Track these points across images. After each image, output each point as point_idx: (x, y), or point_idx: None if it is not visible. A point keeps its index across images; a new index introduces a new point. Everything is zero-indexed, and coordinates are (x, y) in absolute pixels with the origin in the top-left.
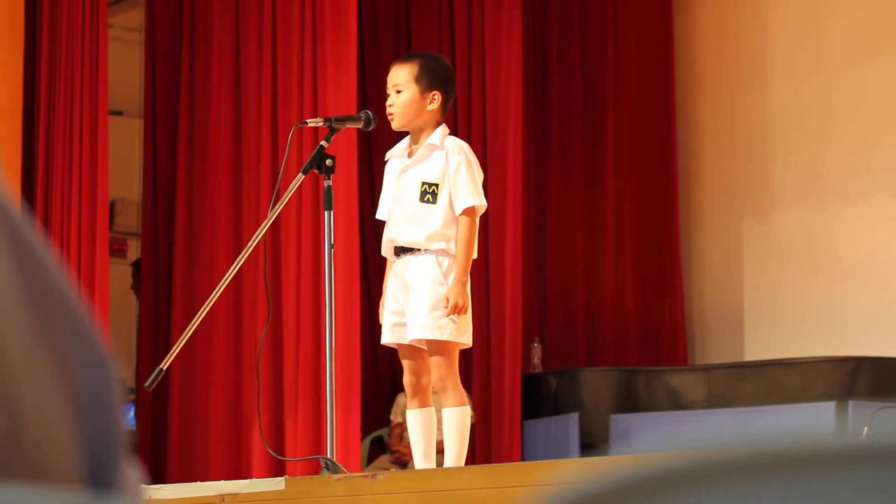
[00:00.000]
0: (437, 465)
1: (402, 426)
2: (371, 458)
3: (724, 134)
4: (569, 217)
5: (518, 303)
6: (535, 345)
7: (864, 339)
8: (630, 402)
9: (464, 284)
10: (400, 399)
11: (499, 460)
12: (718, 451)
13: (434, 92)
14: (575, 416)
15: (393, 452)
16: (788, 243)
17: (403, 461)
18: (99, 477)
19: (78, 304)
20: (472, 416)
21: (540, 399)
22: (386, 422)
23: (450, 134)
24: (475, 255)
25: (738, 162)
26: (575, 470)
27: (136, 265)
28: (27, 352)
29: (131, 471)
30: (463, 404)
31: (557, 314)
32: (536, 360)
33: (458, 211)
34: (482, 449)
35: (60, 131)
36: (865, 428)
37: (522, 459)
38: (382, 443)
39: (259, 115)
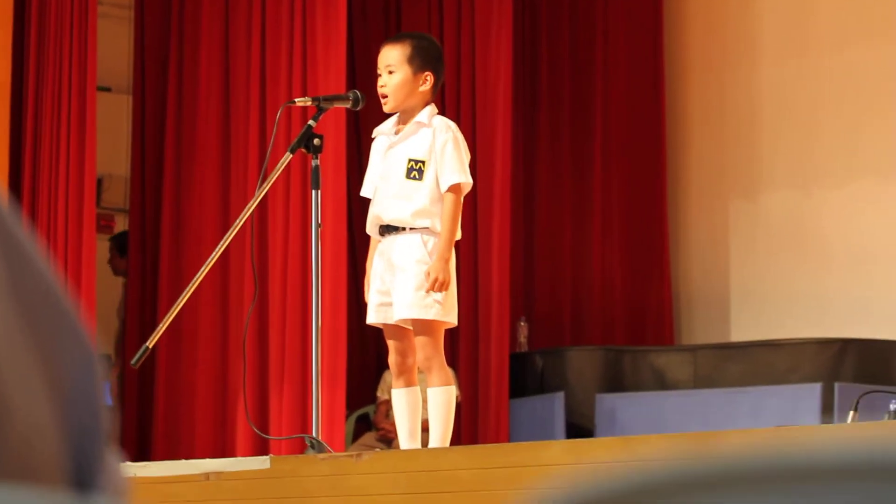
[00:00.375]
0: (423, 444)
1: (389, 403)
2: (356, 435)
3: (712, 116)
4: (557, 196)
5: (505, 281)
6: (522, 323)
7: (851, 322)
8: (616, 382)
9: (446, 261)
10: (387, 376)
11: (485, 439)
12: (719, 461)
13: (426, 73)
14: (561, 395)
15: (378, 430)
16: (776, 226)
17: (389, 438)
18: (83, 469)
19: (64, 297)
20: (457, 396)
21: (526, 378)
22: (372, 399)
23: (438, 113)
24: (459, 235)
25: (727, 145)
26: (559, 452)
27: (115, 240)
28: (13, 345)
29: (115, 463)
30: (448, 384)
31: (545, 293)
32: (523, 338)
33: (444, 188)
34: (468, 427)
35: (49, 107)
36: (851, 412)
37: (508, 438)
38: (368, 420)
39: (247, 93)
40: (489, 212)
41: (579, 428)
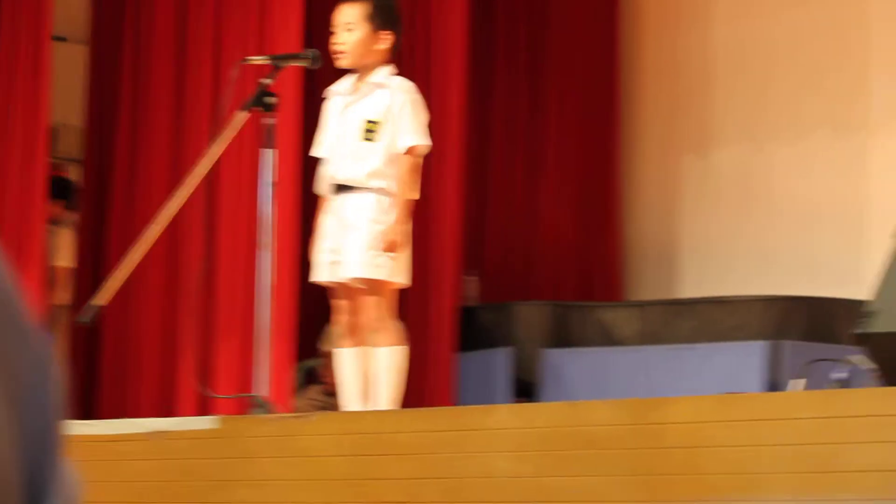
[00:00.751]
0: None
1: None
2: (302, 388)
3: (667, 72)
4: (510, 151)
5: (457, 235)
6: (471, 278)
7: (799, 280)
8: (563, 338)
9: (402, 224)
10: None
11: (431, 394)
12: None
13: (386, 31)
14: (508, 350)
15: (324, 383)
16: (727, 182)
17: (334, 392)
18: (35, 474)
19: (18, 301)
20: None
21: (474, 332)
22: (317, 352)
23: (396, 73)
24: (417, 196)
25: (681, 99)
26: (505, 416)
27: (54, 183)
28: None
29: (68, 468)
30: (400, 344)
31: (496, 247)
32: (473, 293)
33: (401, 150)
34: (414, 382)
35: (3, 57)
36: (800, 380)
37: (454, 393)
38: (314, 373)
39: (203, 48)
40: (441, 165)
41: (525, 383)
